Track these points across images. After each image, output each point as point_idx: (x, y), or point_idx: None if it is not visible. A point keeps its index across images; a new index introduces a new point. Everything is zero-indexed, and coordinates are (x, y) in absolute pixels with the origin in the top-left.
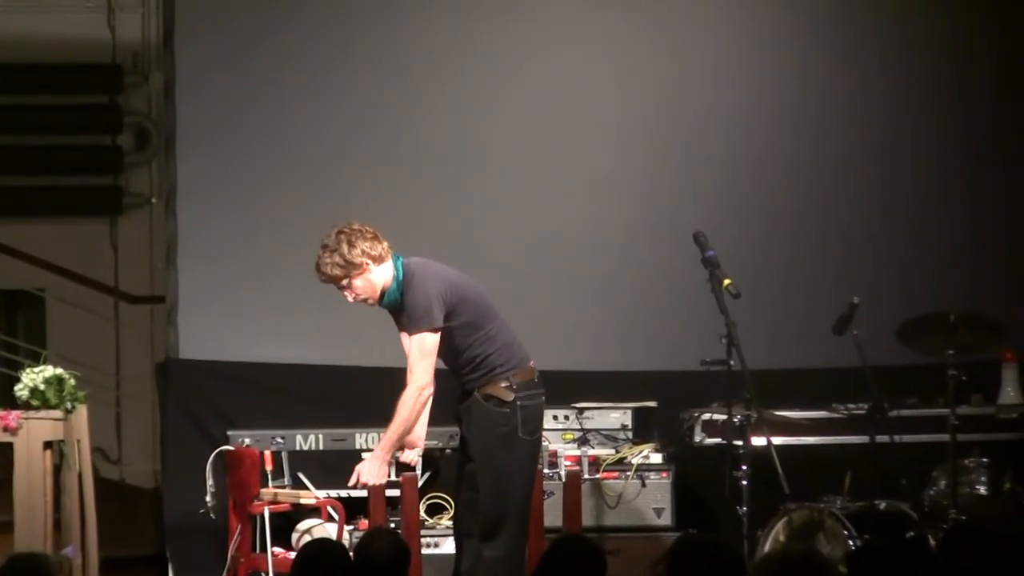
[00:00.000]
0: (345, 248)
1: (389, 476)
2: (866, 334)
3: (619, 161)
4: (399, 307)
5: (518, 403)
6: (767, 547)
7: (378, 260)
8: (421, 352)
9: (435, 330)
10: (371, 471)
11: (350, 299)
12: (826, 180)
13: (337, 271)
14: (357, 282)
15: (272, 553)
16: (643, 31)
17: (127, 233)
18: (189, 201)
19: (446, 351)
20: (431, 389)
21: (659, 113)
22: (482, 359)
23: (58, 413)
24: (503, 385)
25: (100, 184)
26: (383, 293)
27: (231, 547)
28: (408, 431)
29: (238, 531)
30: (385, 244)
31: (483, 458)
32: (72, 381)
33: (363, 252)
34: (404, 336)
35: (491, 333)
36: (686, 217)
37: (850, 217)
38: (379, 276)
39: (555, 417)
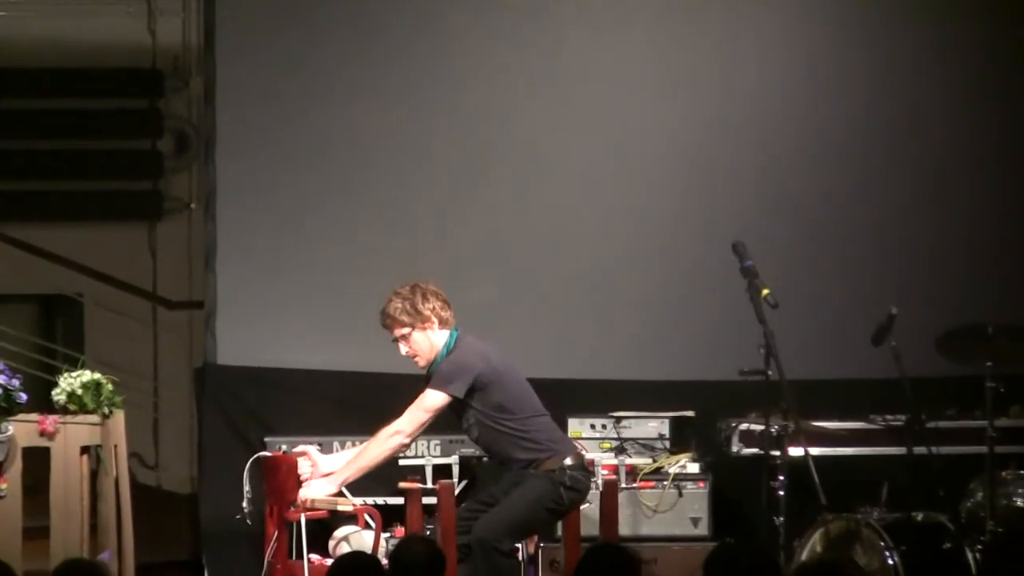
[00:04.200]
0: (419, 299)
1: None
2: (904, 345)
3: (656, 170)
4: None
5: (569, 482)
6: (804, 557)
7: (443, 324)
8: (420, 403)
9: (446, 394)
10: (313, 492)
11: (403, 351)
12: (865, 192)
13: (404, 317)
14: (417, 335)
15: (308, 560)
16: (679, 36)
17: (166, 238)
18: (228, 206)
19: (489, 438)
20: (405, 441)
21: (698, 121)
22: (525, 439)
23: (95, 418)
24: (564, 462)
25: (139, 189)
26: (435, 357)
27: (267, 553)
28: (369, 469)
29: (274, 537)
30: (451, 313)
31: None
32: (110, 386)
33: (433, 310)
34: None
35: (529, 420)
36: (725, 227)
37: (889, 228)
38: (438, 339)
39: (592, 426)
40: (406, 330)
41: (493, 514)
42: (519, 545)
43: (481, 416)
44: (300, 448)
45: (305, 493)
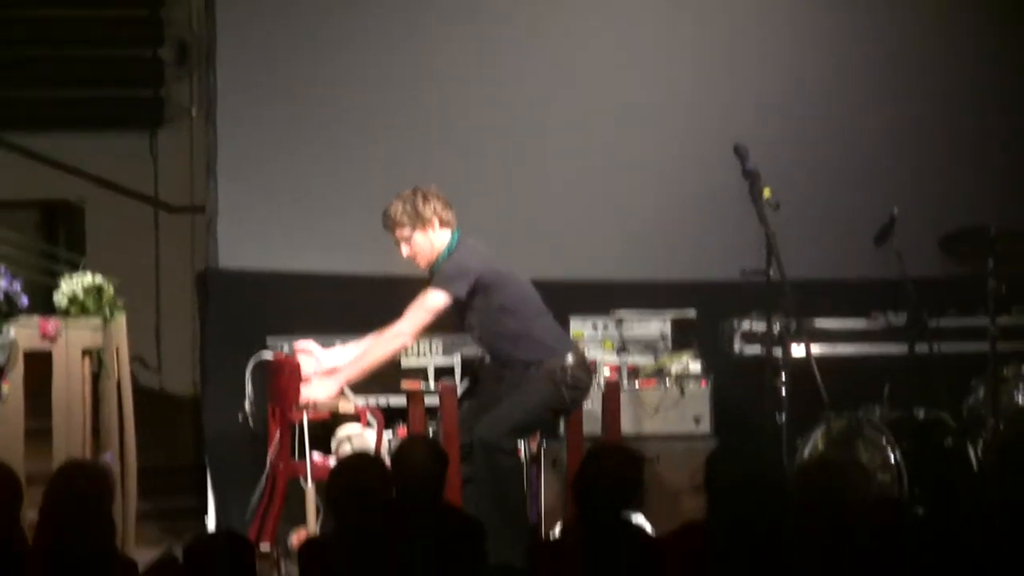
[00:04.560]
0: (420, 201)
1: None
2: (906, 245)
3: (660, 72)
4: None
5: (571, 382)
6: (806, 455)
7: (445, 224)
8: (421, 304)
9: (447, 294)
10: (315, 393)
11: (404, 253)
12: (868, 91)
13: (405, 219)
14: (418, 236)
15: (311, 460)
16: None
17: (167, 145)
18: (229, 113)
19: (491, 338)
20: (407, 342)
21: (699, 24)
22: (527, 339)
23: (97, 321)
24: (565, 361)
25: (141, 96)
26: (436, 258)
27: (270, 454)
28: (370, 369)
29: (276, 438)
30: (453, 214)
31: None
32: (111, 289)
33: (435, 211)
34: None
35: (530, 321)
36: (727, 128)
37: (892, 128)
38: (439, 239)
39: (594, 325)
40: (407, 231)
41: (495, 414)
42: (521, 444)
43: (482, 317)
44: (300, 344)
45: (307, 394)
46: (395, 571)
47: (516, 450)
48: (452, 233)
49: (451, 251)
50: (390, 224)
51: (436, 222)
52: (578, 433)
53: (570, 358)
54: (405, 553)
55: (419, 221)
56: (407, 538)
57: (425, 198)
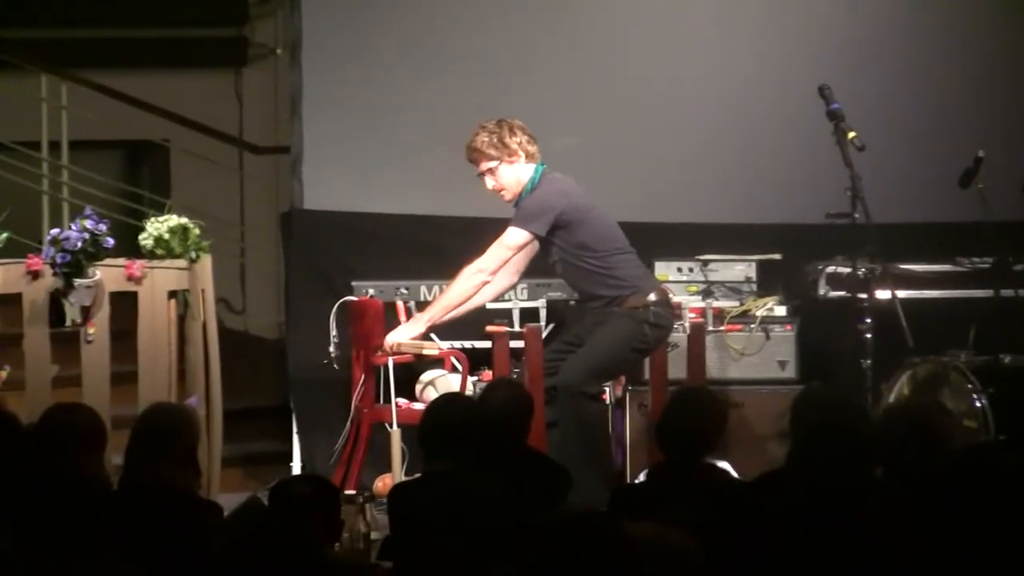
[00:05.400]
0: (506, 132)
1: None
2: (991, 188)
3: (746, 14)
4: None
5: (653, 319)
6: (891, 400)
7: (530, 157)
8: (501, 241)
9: (528, 231)
10: (400, 335)
11: (489, 186)
12: (954, 31)
13: (491, 151)
14: (503, 168)
15: (396, 404)
16: None
17: (252, 84)
18: (314, 52)
19: (573, 275)
20: (488, 279)
21: None
22: (609, 276)
23: (182, 263)
24: (647, 299)
25: (225, 36)
26: (520, 192)
27: (354, 398)
28: (452, 307)
29: (361, 382)
30: (537, 148)
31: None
32: (196, 231)
33: (520, 144)
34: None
35: (612, 258)
36: (811, 70)
37: (976, 70)
38: (524, 173)
39: (679, 269)
40: (493, 163)
41: (578, 357)
42: (607, 388)
43: (564, 253)
44: None
45: (391, 337)
46: (483, 515)
47: (601, 394)
48: (537, 167)
49: (534, 186)
50: (475, 156)
51: (521, 155)
52: (663, 377)
53: (653, 295)
54: (493, 497)
55: (505, 153)
56: (494, 481)
57: (511, 130)
